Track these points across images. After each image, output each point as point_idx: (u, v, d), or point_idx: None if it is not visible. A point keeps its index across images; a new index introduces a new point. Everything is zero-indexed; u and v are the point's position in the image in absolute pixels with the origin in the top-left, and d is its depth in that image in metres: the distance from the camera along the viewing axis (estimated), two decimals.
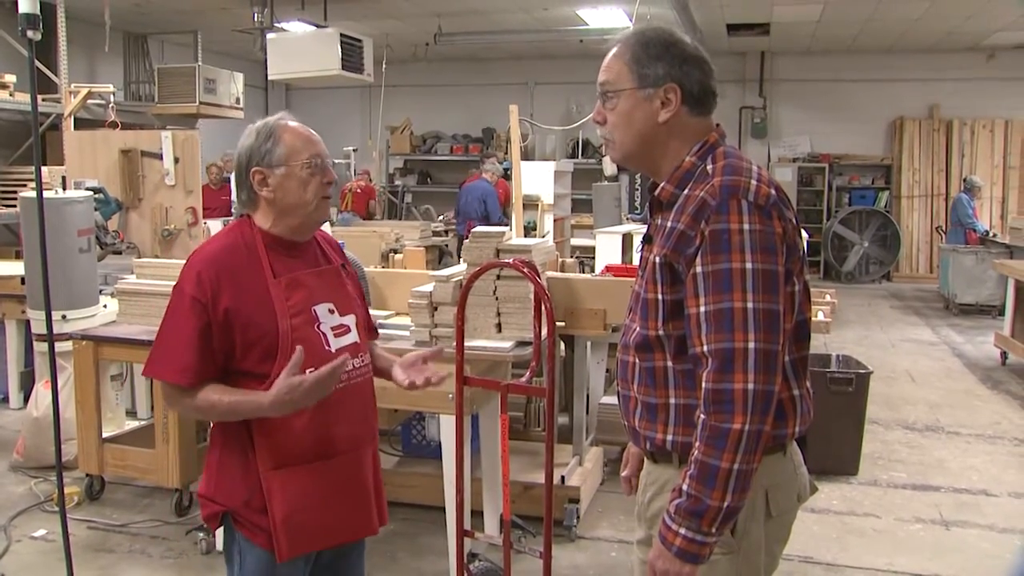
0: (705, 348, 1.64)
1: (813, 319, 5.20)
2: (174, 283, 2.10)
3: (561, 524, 3.93)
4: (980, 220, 11.42)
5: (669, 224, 1.74)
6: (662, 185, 1.81)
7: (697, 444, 1.65)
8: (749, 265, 1.62)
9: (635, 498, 2.00)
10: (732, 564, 1.77)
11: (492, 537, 3.48)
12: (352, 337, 2.18)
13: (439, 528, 3.79)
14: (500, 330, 3.62)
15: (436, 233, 9.75)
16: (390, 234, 8.11)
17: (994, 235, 10.90)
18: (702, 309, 1.65)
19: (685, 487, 1.65)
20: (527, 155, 11.85)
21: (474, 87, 14.48)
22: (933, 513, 4.38)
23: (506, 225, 8.88)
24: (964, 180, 11.54)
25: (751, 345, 1.60)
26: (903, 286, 12.76)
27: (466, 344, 3.00)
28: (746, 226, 1.63)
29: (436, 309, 3.57)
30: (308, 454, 2.08)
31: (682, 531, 1.65)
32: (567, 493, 4.00)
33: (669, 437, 1.79)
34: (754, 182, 1.69)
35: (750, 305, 1.61)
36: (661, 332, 1.76)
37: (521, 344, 3.56)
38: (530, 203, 8.50)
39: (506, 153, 10.85)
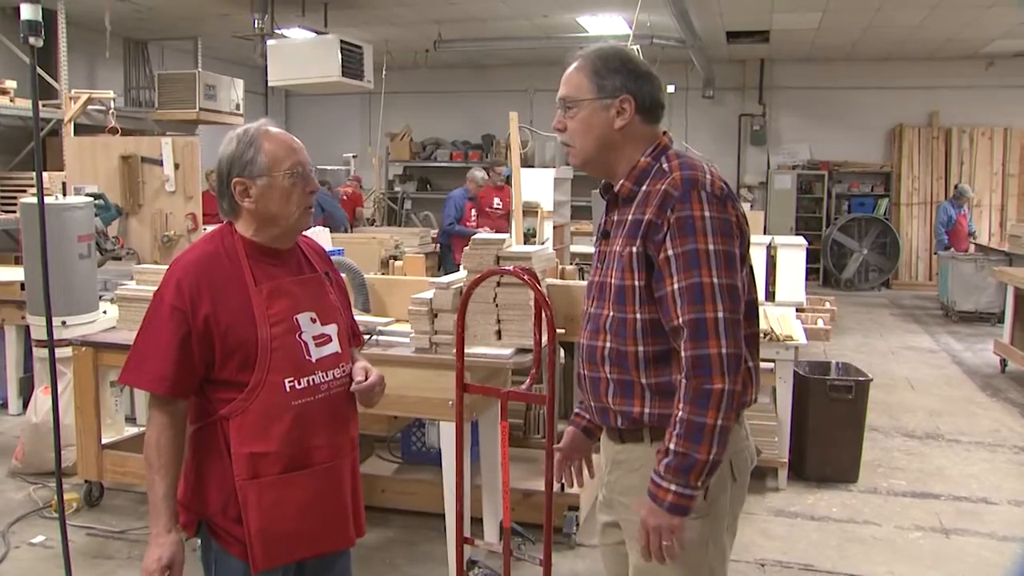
0: (680, 320, 1.84)
1: (813, 326, 5.25)
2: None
3: (561, 531, 3.92)
4: (972, 227, 11.41)
5: (630, 217, 1.94)
6: (621, 182, 2.00)
7: (681, 406, 1.83)
8: (712, 247, 1.83)
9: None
10: (703, 525, 1.94)
11: (492, 544, 3.48)
12: (333, 347, 2.17)
13: (439, 535, 3.78)
14: (500, 337, 3.62)
15: (435, 240, 9.74)
16: (390, 241, 8.12)
17: (972, 242, 10.98)
18: (676, 286, 1.85)
19: (672, 446, 1.83)
20: (527, 162, 11.86)
21: (474, 94, 14.50)
22: (933, 521, 4.37)
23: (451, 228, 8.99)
24: (955, 187, 11.59)
25: (720, 315, 1.81)
26: (902, 293, 12.76)
27: (466, 351, 3.00)
28: (707, 213, 1.85)
29: (436, 316, 3.58)
30: (285, 465, 2.06)
31: (673, 487, 1.82)
32: (567, 501, 3.99)
33: (646, 410, 1.95)
34: (709, 176, 1.91)
35: (715, 280, 1.82)
36: (638, 315, 1.93)
37: (521, 351, 3.56)
38: (530, 210, 8.50)
39: (506, 160, 10.85)
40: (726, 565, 2.03)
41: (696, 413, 1.80)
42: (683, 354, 1.83)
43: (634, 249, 1.91)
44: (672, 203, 1.86)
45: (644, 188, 1.95)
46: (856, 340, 9.04)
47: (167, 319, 2.02)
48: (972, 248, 10.96)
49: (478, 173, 9.33)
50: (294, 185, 2.09)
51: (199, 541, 2.16)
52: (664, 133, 2.05)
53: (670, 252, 1.85)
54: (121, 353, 4.12)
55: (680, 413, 1.82)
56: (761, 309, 5.26)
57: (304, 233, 2.30)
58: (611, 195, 2.06)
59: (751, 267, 2.01)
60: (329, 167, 12.23)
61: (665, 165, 1.95)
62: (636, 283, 1.91)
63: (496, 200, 9.34)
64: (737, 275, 1.86)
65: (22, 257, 5.48)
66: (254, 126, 2.13)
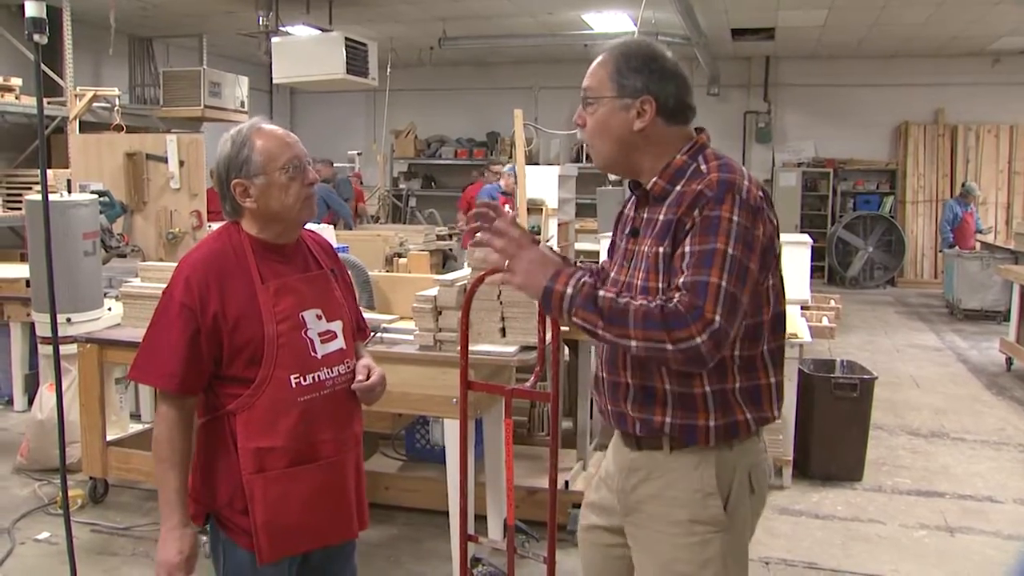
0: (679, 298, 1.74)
1: (818, 324, 5.23)
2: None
3: (565, 529, 3.92)
4: (979, 225, 11.38)
5: (662, 217, 1.87)
6: (654, 180, 1.92)
7: (646, 304, 1.73)
8: (731, 250, 1.75)
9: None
10: (723, 540, 1.90)
11: (496, 542, 3.48)
12: (339, 343, 2.20)
13: (443, 532, 3.79)
14: (504, 335, 3.61)
15: (440, 237, 9.74)
16: (394, 238, 8.11)
17: (978, 240, 10.93)
18: (682, 280, 1.76)
19: (607, 294, 1.76)
20: (531, 159, 11.85)
21: (478, 91, 14.49)
22: (938, 519, 4.36)
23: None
24: (962, 185, 11.57)
25: (716, 319, 1.70)
26: (908, 291, 12.73)
27: (470, 348, 3.00)
28: (736, 218, 1.77)
29: (440, 313, 3.57)
30: (291, 459, 2.09)
31: (569, 291, 1.78)
32: (571, 498, 3.98)
33: (667, 420, 1.89)
34: (746, 183, 1.83)
35: (723, 284, 1.73)
36: None
37: (525, 348, 3.56)
38: (534, 207, 8.49)
39: (510, 157, 10.84)
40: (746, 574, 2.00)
41: (644, 325, 1.71)
42: (669, 302, 1.72)
43: (661, 250, 1.84)
44: (704, 202, 1.79)
45: (679, 188, 1.87)
46: (861, 338, 9.03)
47: (176, 316, 2.04)
48: (978, 246, 10.94)
49: (504, 167, 9.25)
50: (292, 180, 2.11)
51: (205, 538, 2.18)
52: (701, 131, 1.98)
53: (687, 248, 1.77)
54: (126, 350, 4.14)
55: (642, 302, 1.73)
56: None
57: (310, 227, 2.31)
58: (642, 192, 1.98)
59: (781, 279, 1.94)
60: (335, 164, 12.22)
61: (703, 166, 1.87)
62: (662, 285, 1.84)
63: None
64: (744, 289, 1.76)
65: (27, 254, 5.50)
66: (246, 125, 2.14)
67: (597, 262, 2.30)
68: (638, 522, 1.99)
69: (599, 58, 1.95)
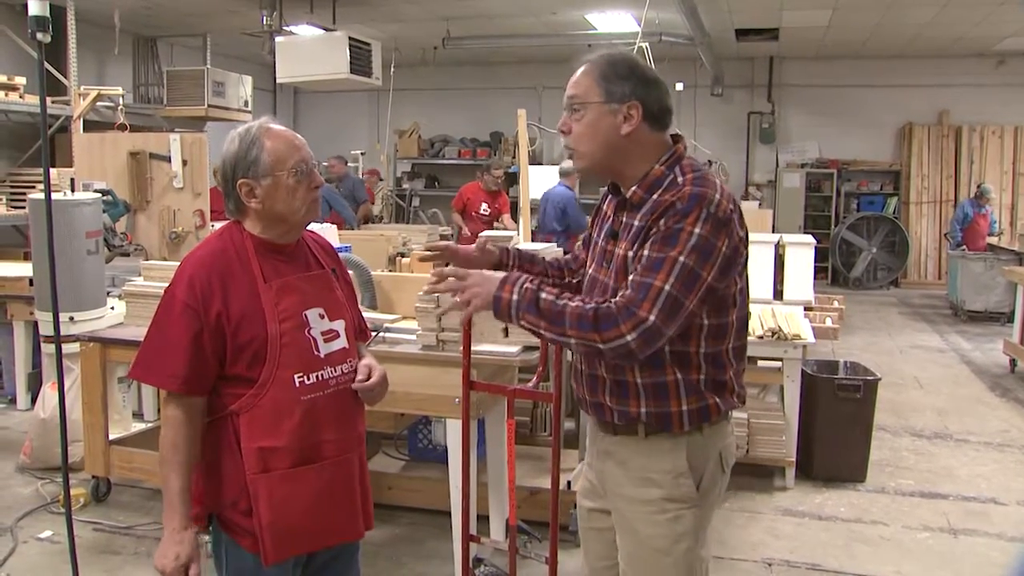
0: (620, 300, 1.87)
1: (821, 325, 5.25)
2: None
3: (567, 529, 3.91)
4: (994, 228, 11.34)
5: (637, 223, 1.97)
6: (633, 188, 2.02)
7: (582, 306, 1.87)
8: (683, 258, 1.85)
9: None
10: (695, 515, 2.04)
11: (498, 542, 3.48)
12: (341, 342, 2.20)
13: (445, 532, 3.78)
14: (507, 335, 3.61)
15: (443, 237, 9.72)
16: (397, 238, 8.11)
17: (994, 240, 10.90)
18: (630, 278, 1.89)
19: (544, 295, 1.91)
20: (535, 159, 11.85)
21: (482, 91, 14.49)
22: (941, 521, 4.36)
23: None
24: (978, 187, 11.53)
25: (650, 318, 1.82)
26: (911, 292, 12.72)
27: (473, 348, 3.00)
28: (697, 229, 1.86)
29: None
30: (295, 459, 2.08)
31: (515, 299, 1.94)
32: (573, 498, 3.95)
33: (643, 410, 2.01)
34: (718, 196, 1.91)
35: (667, 287, 1.83)
36: None
37: (528, 349, 3.55)
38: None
39: (514, 157, 10.82)
40: (709, 549, 2.16)
41: (578, 324, 1.86)
42: (611, 301, 1.86)
43: (631, 254, 1.94)
44: (672, 213, 1.87)
45: (655, 197, 1.95)
46: (864, 339, 9.02)
47: (179, 316, 2.03)
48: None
49: (566, 164, 9.13)
50: (299, 183, 2.11)
51: (206, 537, 2.17)
52: (679, 140, 2.06)
53: (645, 252, 1.88)
54: (128, 349, 4.15)
55: (580, 303, 1.88)
56: (769, 307, 5.26)
57: (311, 228, 2.31)
58: (622, 198, 2.07)
59: (747, 280, 2.05)
60: (315, 164, 12.16)
61: (680, 178, 1.96)
62: None
63: (483, 205, 9.01)
64: (691, 295, 1.85)
65: (30, 253, 5.50)
66: (255, 124, 2.13)
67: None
68: (617, 504, 2.11)
69: (582, 67, 2.03)
